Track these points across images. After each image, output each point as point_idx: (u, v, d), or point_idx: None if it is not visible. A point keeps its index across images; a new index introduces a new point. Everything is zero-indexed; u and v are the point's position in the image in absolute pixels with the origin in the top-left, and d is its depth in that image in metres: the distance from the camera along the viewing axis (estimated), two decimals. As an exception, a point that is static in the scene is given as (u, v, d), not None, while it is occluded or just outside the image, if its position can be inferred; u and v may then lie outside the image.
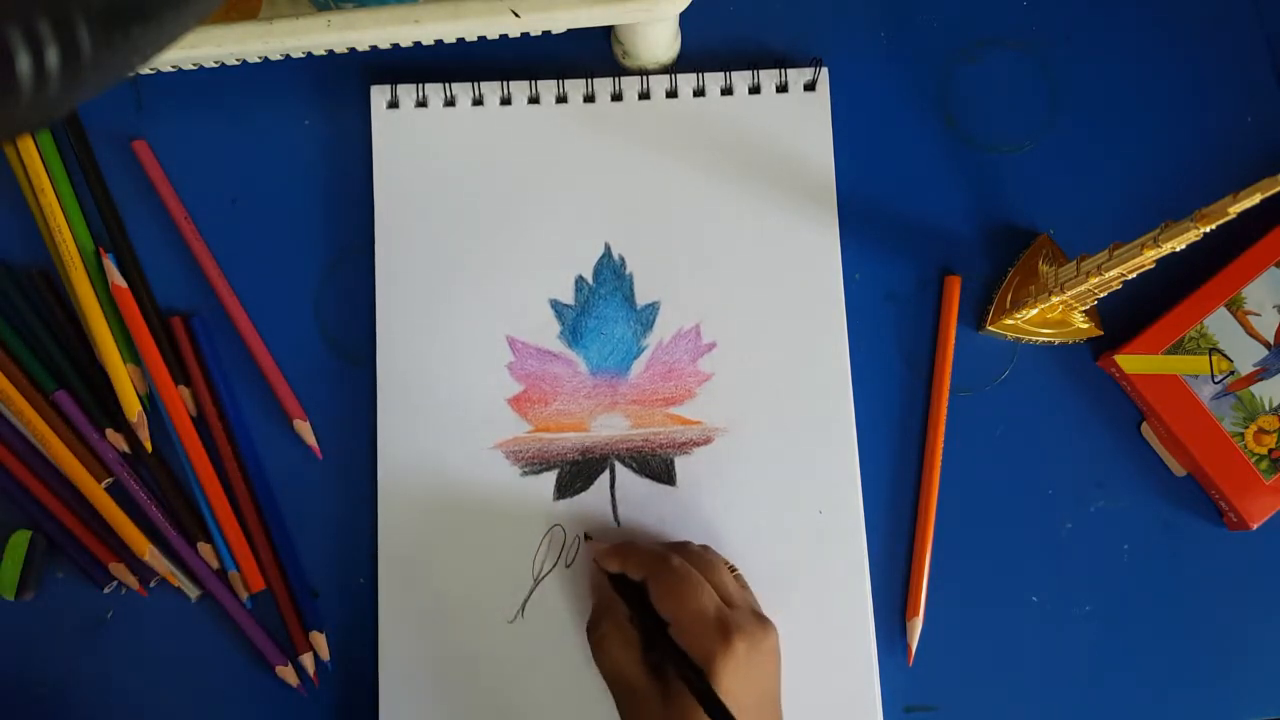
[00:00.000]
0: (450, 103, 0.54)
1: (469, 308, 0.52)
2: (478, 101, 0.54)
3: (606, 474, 0.51)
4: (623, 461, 0.51)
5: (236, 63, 0.52)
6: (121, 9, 0.25)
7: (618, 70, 0.55)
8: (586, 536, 0.50)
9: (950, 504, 0.51)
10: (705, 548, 0.48)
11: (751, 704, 0.41)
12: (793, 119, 0.54)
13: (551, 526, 0.51)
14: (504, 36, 0.51)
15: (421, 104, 0.54)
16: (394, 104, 0.54)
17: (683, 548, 0.47)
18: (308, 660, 0.50)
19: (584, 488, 0.51)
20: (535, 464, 0.51)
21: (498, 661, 0.49)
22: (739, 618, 0.42)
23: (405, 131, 0.54)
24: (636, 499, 0.51)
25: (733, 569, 0.48)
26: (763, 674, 0.42)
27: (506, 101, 0.54)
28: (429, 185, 0.53)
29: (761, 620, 0.43)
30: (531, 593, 0.50)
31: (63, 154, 0.54)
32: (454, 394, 0.51)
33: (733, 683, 0.40)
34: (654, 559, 0.45)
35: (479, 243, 0.53)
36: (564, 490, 0.51)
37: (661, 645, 0.43)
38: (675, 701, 0.41)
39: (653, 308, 0.52)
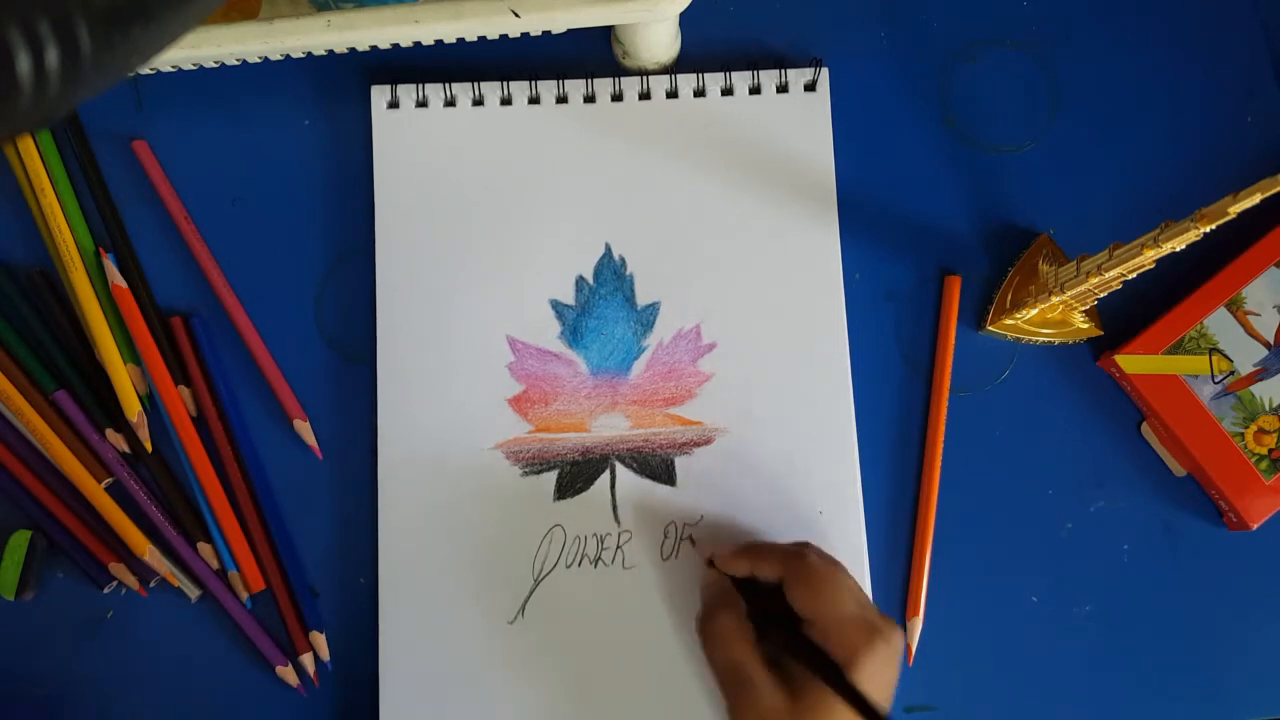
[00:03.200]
0: (450, 103, 0.54)
1: (469, 308, 0.52)
2: (478, 102, 0.54)
3: (607, 474, 0.51)
4: (623, 462, 0.51)
5: (236, 63, 0.52)
6: (121, 9, 0.25)
7: (618, 71, 0.55)
8: (691, 541, 0.50)
9: (950, 504, 0.51)
10: (821, 552, 0.47)
11: (884, 701, 0.42)
12: (793, 119, 0.54)
13: (552, 527, 0.51)
14: (504, 36, 0.51)
15: (422, 104, 0.54)
16: (394, 104, 0.54)
17: (807, 546, 0.46)
18: (308, 660, 0.50)
19: (584, 488, 0.51)
20: (535, 464, 0.51)
21: (498, 662, 0.49)
22: (879, 619, 0.43)
23: (405, 132, 0.54)
24: (637, 499, 0.51)
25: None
26: (893, 675, 0.43)
27: (507, 102, 0.54)
28: (429, 185, 0.53)
29: (892, 622, 0.43)
30: (532, 593, 0.50)
31: (63, 154, 0.54)
32: (454, 394, 0.51)
33: (872, 681, 0.41)
34: (789, 556, 0.45)
35: (479, 243, 0.53)
36: (564, 490, 0.51)
37: (787, 642, 0.43)
38: (803, 697, 0.41)
39: (653, 308, 0.52)
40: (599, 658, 0.49)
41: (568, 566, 0.50)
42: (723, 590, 0.46)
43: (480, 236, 0.53)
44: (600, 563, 0.50)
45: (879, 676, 0.41)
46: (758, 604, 0.45)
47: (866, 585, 0.50)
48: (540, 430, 0.51)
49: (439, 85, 0.53)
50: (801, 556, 0.44)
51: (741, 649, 0.43)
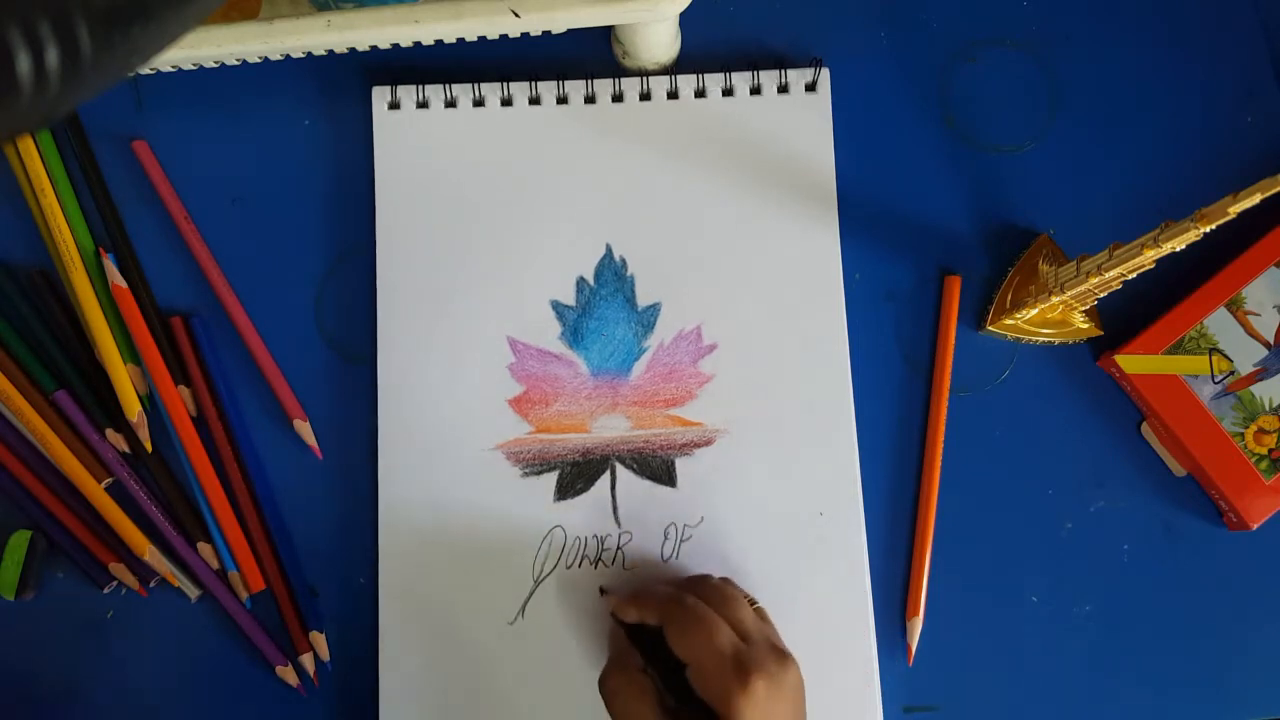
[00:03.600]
0: (451, 104, 0.54)
1: (470, 309, 0.52)
2: (479, 103, 0.54)
3: (607, 475, 0.51)
4: (623, 463, 0.51)
5: (236, 63, 0.52)
6: (121, 9, 0.25)
7: (618, 71, 0.55)
8: (602, 590, 0.50)
9: (950, 504, 0.51)
10: (725, 580, 0.47)
11: None
12: (793, 120, 0.54)
13: (552, 528, 0.51)
14: (504, 37, 0.51)
15: (422, 105, 0.54)
16: (395, 105, 0.54)
17: (700, 583, 0.46)
18: (308, 660, 0.50)
19: (585, 489, 0.51)
20: (536, 465, 0.51)
21: (498, 663, 0.49)
22: (756, 654, 0.41)
23: (406, 133, 0.54)
24: (637, 500, 0.51)
25: (752, 602, 0.46)
26: (784, 711, 0.41)
27: (507, 103, 0.54)
28: (430, 186, 0.53)
29: (780, 655, 0.42)
30: (532, 594, 0.50)
31: (63, 154, 0.54)
32: (455, 395, 0.51)
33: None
34: (668, 601, 0.44)
35: (480, 244, 0.53)
36: (565, 491, 0.51)
37: (685, 694, 0.42)
38: None
39: (654, 309, 0.52)
40: (599, 659, 0.49)
41: (568, 567, 0.50)
42: (618, 646, 0.46)
43: (481, 237, 0.53)
44: (601, 564, 0.50)
45: (763, 714, 0.40)
46: (663, 650, 0.43)
47: (867, 585, 0.50)
48: (541, 431, 0.51)
49: (440, 86, 0.53)
50: (678, 600, 0.43)
51: (636, 706, 0.42)
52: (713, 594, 0.45)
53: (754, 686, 0.40)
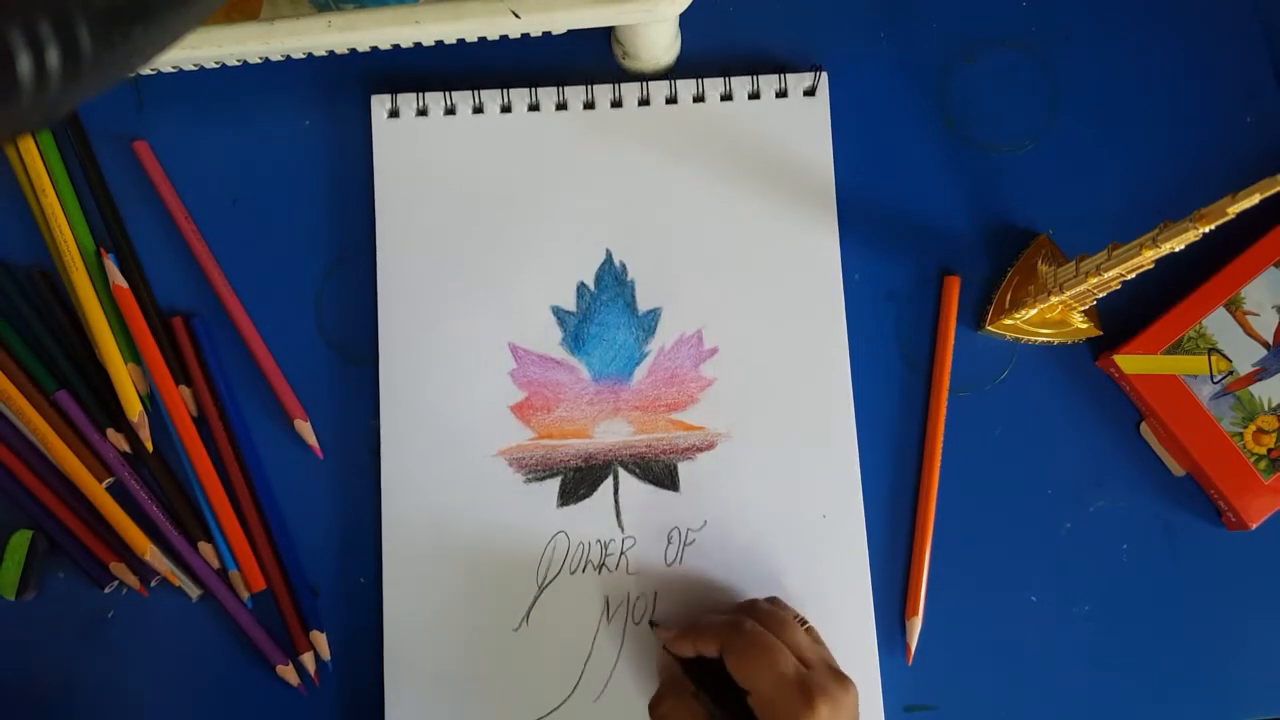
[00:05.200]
0: (450, 111, 0.54)
1: (471, 315, 0.52)
2: (478, 109, 0.54)
3: (610, 480, 0.51)
4: (626, 468, 0.51)
5: (237, 63, 0.52)
6: (122, 9, 0.25)
7: (618, 76, 0.55)
8: (652, 624, 0.50)
9: (950, 504, 0.51)
10: (774, 600, 0.47)
11: None
12: (792, 124, 0.54)
13: (555, 533, 0.51)
14: (504, 39, 0.51)
15: (422, 113, 0.54)
16: (394, 113, 0.54)
17: (752, 608, 0.46)
18: (308, 659, 0.50)
19: (587, 494, 0.51)
20: (538, 471, 0.51)
21: (503, 669, 0.49)
22: (818, 679, 0.42)
23: (406, 140, 0.54)
24: (640, 505, 0.51)
25: (803, 622, 0.46)
26: None
27: (507, 109, 0.54)
28: (430, 194, 0.53)
29: (840, 678, 0.42)
30: (536, 600, 0.50)
31: (64, 154, 0.54)
32: (456, 401, 0.51)
33: None
34: (726, 630, 0.44)
35: (480, 250, 0.53)
36: (567, 497, 0.51)
37: (734, 717, 0.42)
38: None
39: (654, 313, 0.52)
40: (604, 664, 0.49)
41: (571, 573, 0.50)
42: (671, 675, 0.46)
43: (481, 244, 0.53)
44: (604, 569, 0.50)
45: None
46: (718, 678, 0.44)
47: (867, 585, 0.50)
48: (543, 437, 0.51)
49: (439, 94, 0.54)
50: (737, 627, 0.43)
51: None
52: (767, 618, 0.44)
53: (819, 710, 0.40)
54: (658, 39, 0.52)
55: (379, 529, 0.50)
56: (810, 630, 0.46)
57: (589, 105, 0.54)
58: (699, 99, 0.54)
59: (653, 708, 0.44)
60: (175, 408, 0.51)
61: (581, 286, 0.53)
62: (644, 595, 0.50)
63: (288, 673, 0.50)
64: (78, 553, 0.51)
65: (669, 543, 0.51)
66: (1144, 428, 0.52)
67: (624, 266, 0.53)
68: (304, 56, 0.52)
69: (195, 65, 0.53)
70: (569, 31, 0.50)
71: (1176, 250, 0.40)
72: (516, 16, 0.48)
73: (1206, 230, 0.37)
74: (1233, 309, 0.51)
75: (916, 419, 0.52)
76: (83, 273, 0.52)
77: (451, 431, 0.51)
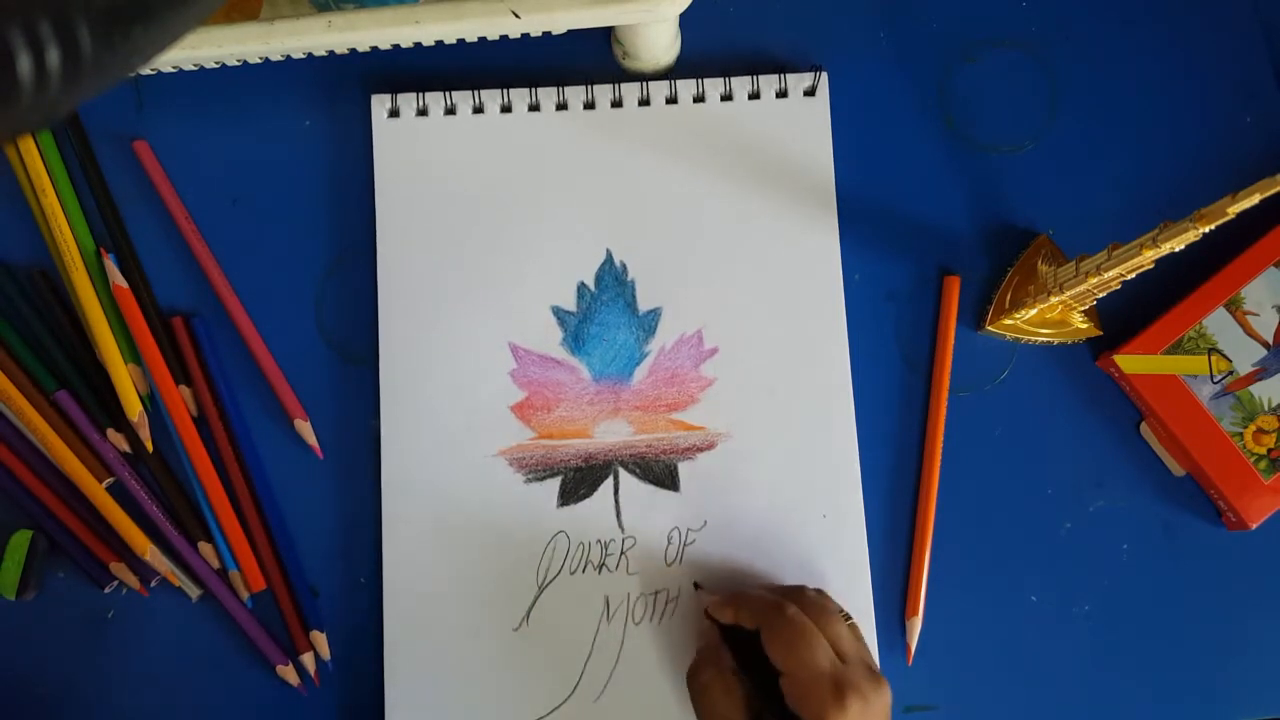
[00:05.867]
0: (451, 111, 0.54)
1: (471, 315, 0.52)
2: (478, 109, 0.54)
3: (610, 480, 0.51)
4: (626, 468, 0.51)
5: (237, 63, 0.52)
6: (122, 9, 0.25)
7: (618, 76, 0.55)
8: (696, 585, 0.50)
9: (950, 504, 0.51)
10: (820, 593, 0.47)
11: None
12: (792, 125, 0.54)
13: (555, 533, 0.51)
14: (504, 39, 0.51)
15: (422, 113, 0.54)
16: (395, 113, 0.54)
17: (798, 594, 0.46)
18: (308, 659, 0.50)
19: (588, 494, 0.51)
20: (539, 471, 0.51)
21: (504, 670, 0.49)
22: (853, 675, 0.41)
23: (406, 140, 0.54)
24: (640, 505, 0.51)
25: (847, 617, 0.46)
26: None
27: (507, 109, 0.54)
28: (430, 194, 0.53)
29: (875, 678, 0.42)
30: (536, 600, 0.50)
31: (64, 154, 0.54)
32: (457, 401, 0.51)
33: None
34: (769, 608, 0.44)
35: (480, 251, 0.53)
36: (567, 497, 0.51)
37: (772, 698, 0.42)
38: None
39: (655, 313, 0.52)
40: (604, 664, 0.49)
41: (571, 573, 0.50)
42: (710, 644, 0.46)
43: (481, 244, 0.53)
44: (604, 569, 0.50)
45: None
46: (754, 650, 0.44)
47: (868, 585, 0.50)
48: (543, 437, 0.51)
49: (439, 94, 0.54)
50: (779, 609, 0.43)
51: (725, 704, 0.43)
52: (810, 607, 0.44)
53: (849, 706, 0.40)
54: (658, 39, 0.52)
55: (379, 529, 0.50)
56: (853, 626, 0.46)
57: (589, 105, 0.54)
58: (699, 99, 0.54)
59: (691, 676, 0.44)
60: (175, 408, 0.51)
61: (582, 286, 0.53)
62: (644, 595, 0.50)
63: (288, 673, 0.50)
64: (78, 553, 0.51)
65: (669, 543, 0.51)
66: (1144, 428, 0.52)
67: (624, 266, 0.53)
68: (304, 56, 0.52)
69: (195, 65, 0.53)
70: (569, 31, 0.50)
71: (1176, 250, 0.40)
72: (516, 16, 0.48)
73: (1206, 230, 0.37)
74: (1233, 309, 0.51)
75: (916, 419, 0.52)
76: (83, 273, 0.52)
77: (451, 431, 0.51)
